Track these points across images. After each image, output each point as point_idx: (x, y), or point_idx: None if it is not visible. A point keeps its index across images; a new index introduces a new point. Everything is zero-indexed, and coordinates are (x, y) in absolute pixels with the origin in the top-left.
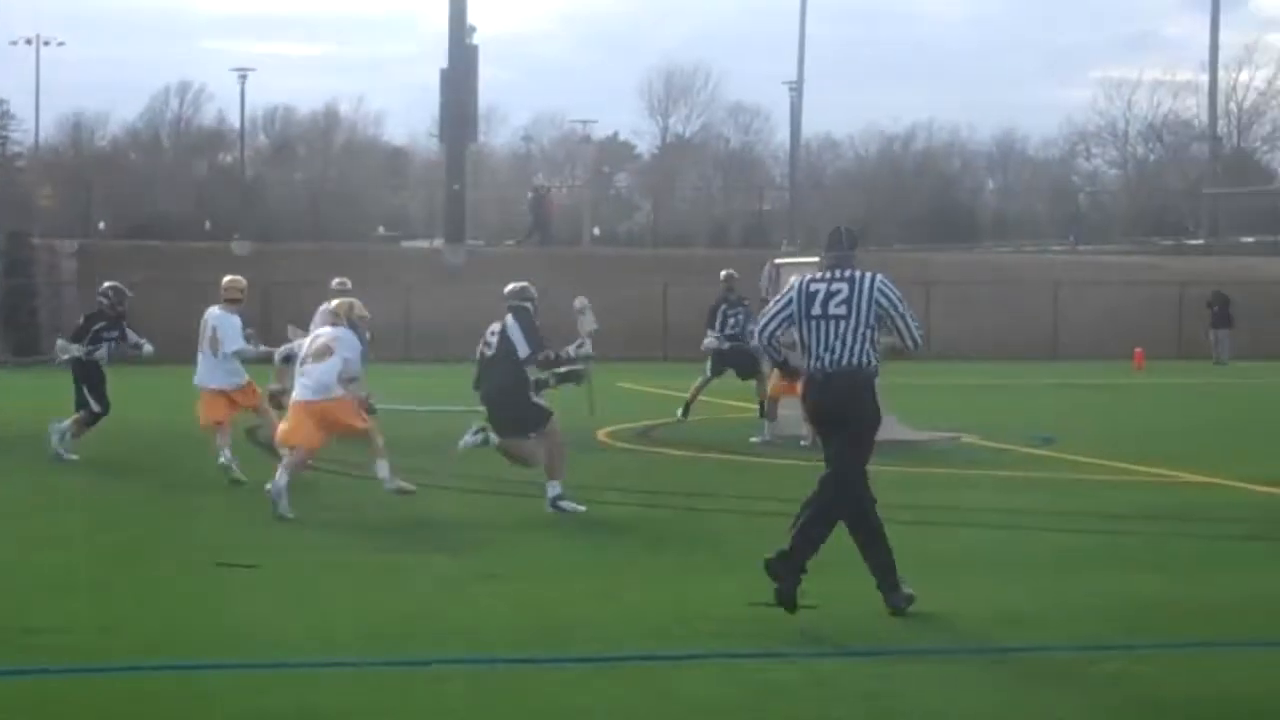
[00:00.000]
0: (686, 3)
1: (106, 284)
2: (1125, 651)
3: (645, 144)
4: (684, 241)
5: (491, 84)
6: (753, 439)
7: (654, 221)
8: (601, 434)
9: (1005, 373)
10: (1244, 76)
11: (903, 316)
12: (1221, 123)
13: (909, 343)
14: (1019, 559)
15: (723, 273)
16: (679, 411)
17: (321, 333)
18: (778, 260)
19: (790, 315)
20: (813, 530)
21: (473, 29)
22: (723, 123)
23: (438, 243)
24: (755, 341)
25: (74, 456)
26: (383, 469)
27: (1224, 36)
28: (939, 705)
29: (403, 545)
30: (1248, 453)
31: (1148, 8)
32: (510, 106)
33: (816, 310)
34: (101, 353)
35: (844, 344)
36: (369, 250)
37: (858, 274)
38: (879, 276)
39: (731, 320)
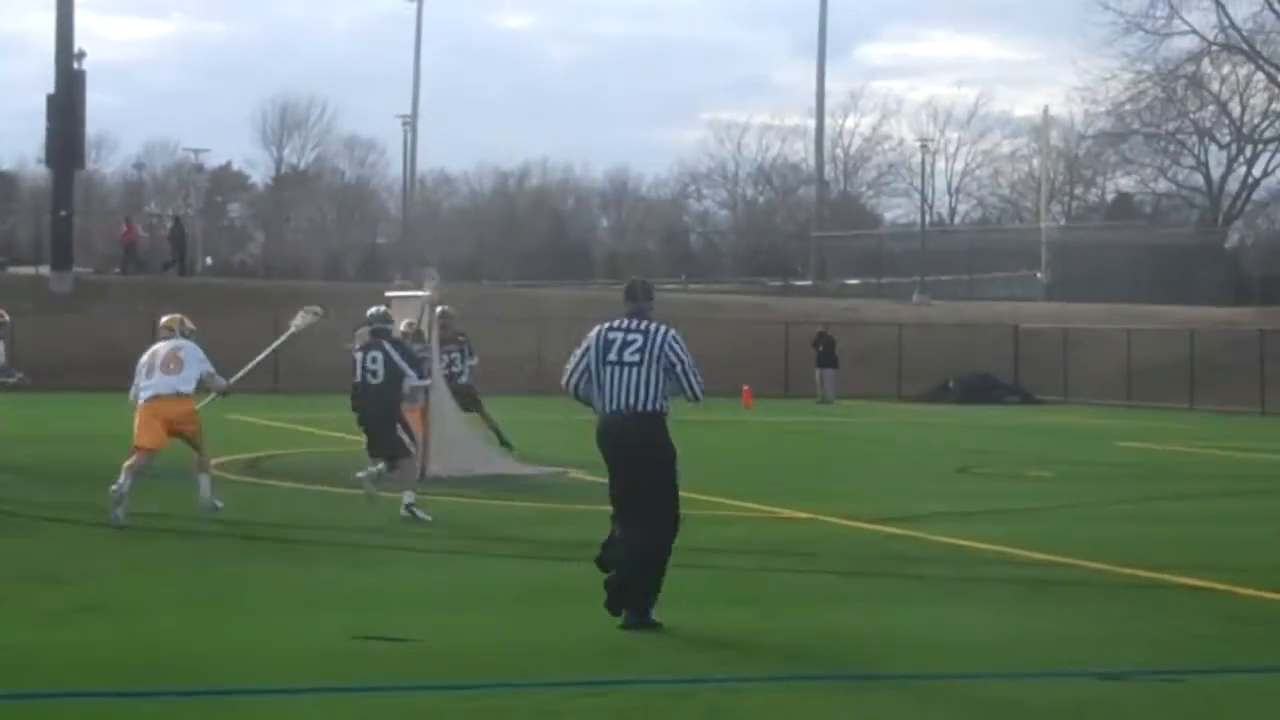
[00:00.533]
0: (303, 34)
1: None
2: (718, 685)
3: (259, 174)
4: (298, 273)
5: (102, 110)
6: (357, 474)
7: (267, 252)
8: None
9: None
10: (850, 123)
11: (685, 372)
12: (828, 167)
13: (689, 395)
14: None
15: (438, 309)
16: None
17: (159, 348)
18: (388, 293)
19: (589, 363)
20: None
21: (81, 54)
22: (338, 155)
23: (44, 269)
24: (565, 390)
25: None
26: (205, 484)
27: (831, 84)
28: None
29: (1, 577)
30: (847, 490)
31: (758, 53)
32: (122, 133)
33: (613, 357)
34: None
35: (638, 390)
36: None
37: (652, 326)
38: (671, 333)
39: (445, 359)
